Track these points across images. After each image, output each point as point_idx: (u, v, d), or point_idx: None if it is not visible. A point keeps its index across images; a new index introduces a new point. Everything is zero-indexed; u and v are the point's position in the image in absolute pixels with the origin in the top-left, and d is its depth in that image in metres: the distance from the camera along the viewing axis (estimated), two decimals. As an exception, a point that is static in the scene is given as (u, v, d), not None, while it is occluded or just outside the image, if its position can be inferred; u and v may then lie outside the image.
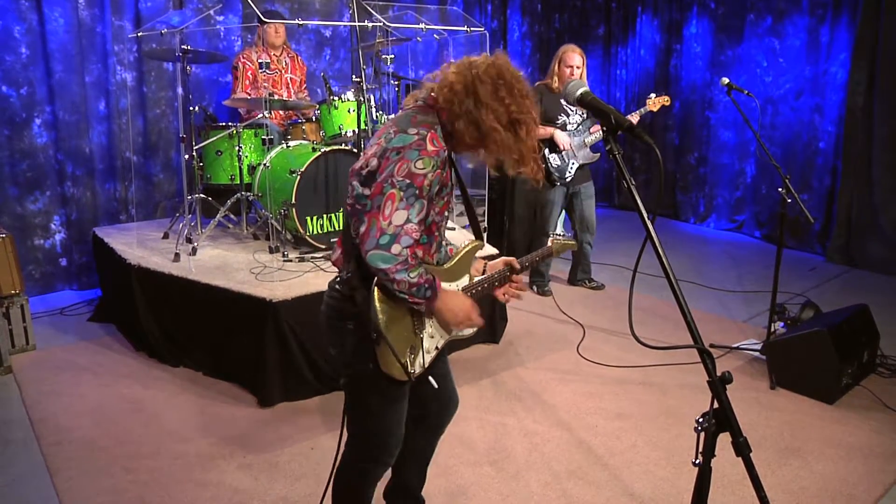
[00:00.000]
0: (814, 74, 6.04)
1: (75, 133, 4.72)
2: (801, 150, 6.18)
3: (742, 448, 1.36)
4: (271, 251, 4.04)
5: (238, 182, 4.34)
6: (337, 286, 1.86)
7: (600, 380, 3.60)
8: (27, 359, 3.78)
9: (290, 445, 2.94)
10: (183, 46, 4.10)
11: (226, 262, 3.87)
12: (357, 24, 4.16)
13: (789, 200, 3.60)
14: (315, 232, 4.03)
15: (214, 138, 4.32)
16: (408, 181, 1.66)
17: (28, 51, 4.47)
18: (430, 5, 6.40)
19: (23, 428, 3.07)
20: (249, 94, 4.71)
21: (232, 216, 4.71)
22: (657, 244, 1.43)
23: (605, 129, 1.56)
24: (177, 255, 3.88)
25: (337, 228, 4.11)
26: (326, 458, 2.82)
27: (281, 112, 4.79)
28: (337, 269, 1.93)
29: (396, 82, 5.08)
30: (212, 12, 5.11)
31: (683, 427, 3.12)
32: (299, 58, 5.09)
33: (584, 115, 4.68)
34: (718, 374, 1.39)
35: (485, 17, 7.01)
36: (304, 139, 4.53)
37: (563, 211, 4.93)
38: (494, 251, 4.13)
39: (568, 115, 4.64)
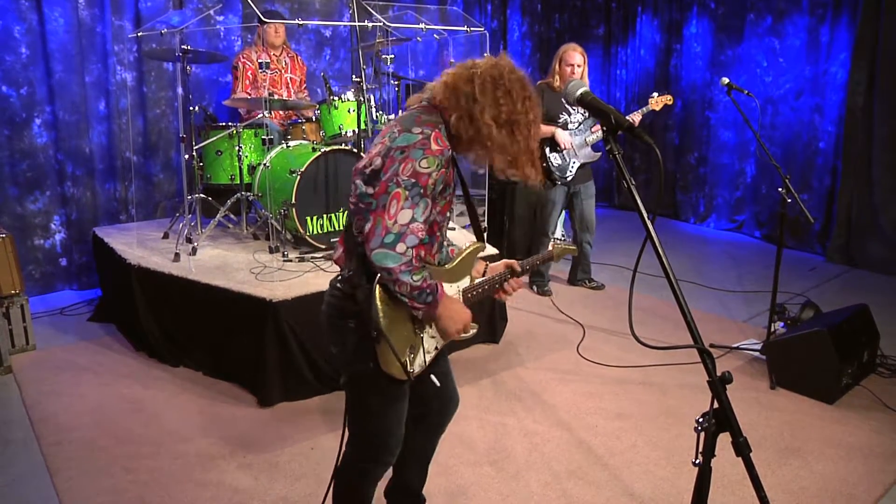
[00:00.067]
0: (814, 74, 6.04)
1: (75, 133, 4.72)
2: (801, 150, 6.18)
3: (742, 448, 1.36)
4: (271, 251, 4.04)
5: (238, 182, 4.34)
6: (338, 284, 1.87)
7: (600, 380, 3.60)
8: (27, 359, 3.78)
9: (290, 445, 2.94)
10: (183, 46, 4.10)
11: (226, 262, 3.87)
12: (357, 24, 4.17)
13: (789, 200, 3.60)
14: (315, 232, 4.03)
15: (214, 138, 4.32)
16: (413, 180, 1.67)
17: (28, 51, 4.47)
18: (430, 5, 6.40)
19: (23, 428, 3.07)
20: (249, 94, 4.71)
21: (232, 216, 4.71)
22: (657, 244, 1.43)
23: (604, 129, 1.56)
24: (177, 255, 3.88)
25: (337, 228, 4.11)
26: (326, 458, 2.82)
27: (281, 112, 4.79)
28: (338, 268, 1.94)
29: (396, 82, 5.08)
30: (212, 12, 5.11)
31: (683, 427, 3.12)
32: (299, 58, 5.10)
33: (586, 115, 4.67)
34: (718, 374, 1.39)
35: (485, 17, 7.01)
36: (304, 139, 4.53)
37: (564, 210, 4.93)
38: (495, 251, 4.14)
39: (569, 114, 4.64)
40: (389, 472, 2.22)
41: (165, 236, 4.41)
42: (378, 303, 1.73)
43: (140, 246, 4.18)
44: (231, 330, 3.45)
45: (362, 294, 1.77)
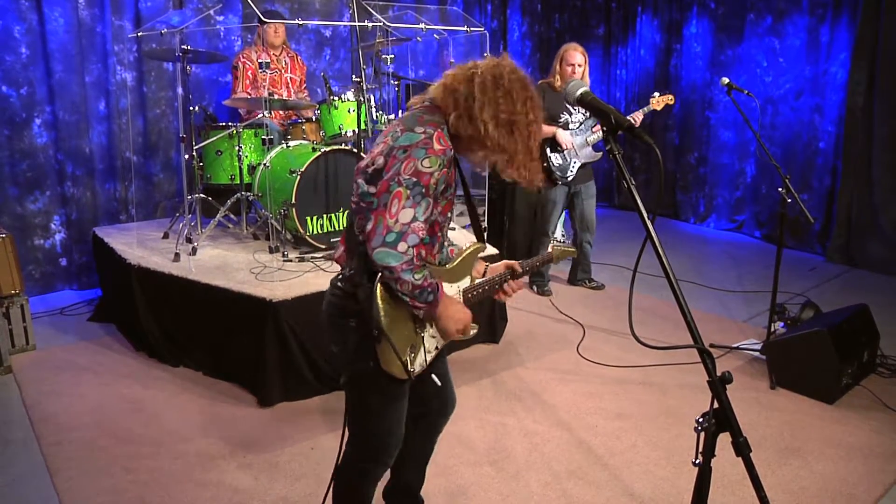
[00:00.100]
0: (814, 74, 6.04)
1: (75, 133, 4.72)
2: (801, 150, 6.18)
3: (742, 448, 1.36)
4: (271, 251, 4.04)
5: (238, 182, 4.34)
6: (339, 283, 1.87)
7: (600, 380, 3.60)
8: (27, 359, 3.78)
9: (290, 445, 2.94)
10: (183, 46, 4.10)
11: (226, 262, 3.87)
12: (357, 24, 4.17)
13: (789, 200, 3.60)
14: (315, 232, 4.03)
15: (214, 138, 4.32)
16: (414, 179, 1.67)
17: (28, 51, 4.47)
18: (430, 5, 6.40)
19: (23, 428, 3.07)
20: (249, 94, 4.71)
21: (232, 216, 4.71)
22: (657, 244, 1.43)
23: (605, 129, 1.56)
24: (177, 254, 3.88)
25: (337, 228, 4.11)
26: (326, 457, 2.82)
27: (281, 112, 4.79)
28: (339, 267, 1.94)
29: (396, 82, 5.08)
30: (212, 12, 5.11)
31: (683, 427, 3.12)
32: (299, 57, 5.10)
33: (587, 114, 4.67)
34: (718, 374, 1.39)
35: (485, 17, 7.01)
36: (304, 139, 4.53)
37: (564, 210, 4.93)
38: (495, 251, 4.14)
39: (570, 114, 4.63)
40: (388, 473, 2.22)
41: (165, 236, 4.41)
42: (379, 302, 1.73)
43: (140, 246, 4.18)
44: (231, 330, 3.45)
45: (363, 293, 1.77)
